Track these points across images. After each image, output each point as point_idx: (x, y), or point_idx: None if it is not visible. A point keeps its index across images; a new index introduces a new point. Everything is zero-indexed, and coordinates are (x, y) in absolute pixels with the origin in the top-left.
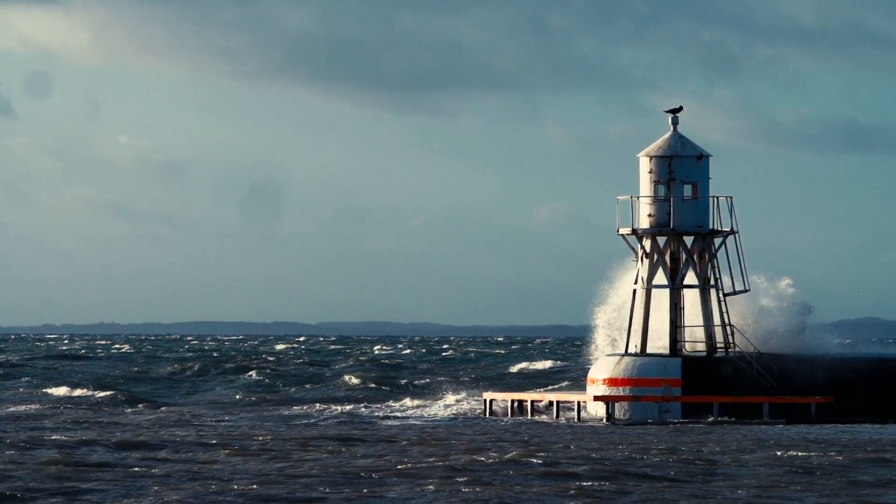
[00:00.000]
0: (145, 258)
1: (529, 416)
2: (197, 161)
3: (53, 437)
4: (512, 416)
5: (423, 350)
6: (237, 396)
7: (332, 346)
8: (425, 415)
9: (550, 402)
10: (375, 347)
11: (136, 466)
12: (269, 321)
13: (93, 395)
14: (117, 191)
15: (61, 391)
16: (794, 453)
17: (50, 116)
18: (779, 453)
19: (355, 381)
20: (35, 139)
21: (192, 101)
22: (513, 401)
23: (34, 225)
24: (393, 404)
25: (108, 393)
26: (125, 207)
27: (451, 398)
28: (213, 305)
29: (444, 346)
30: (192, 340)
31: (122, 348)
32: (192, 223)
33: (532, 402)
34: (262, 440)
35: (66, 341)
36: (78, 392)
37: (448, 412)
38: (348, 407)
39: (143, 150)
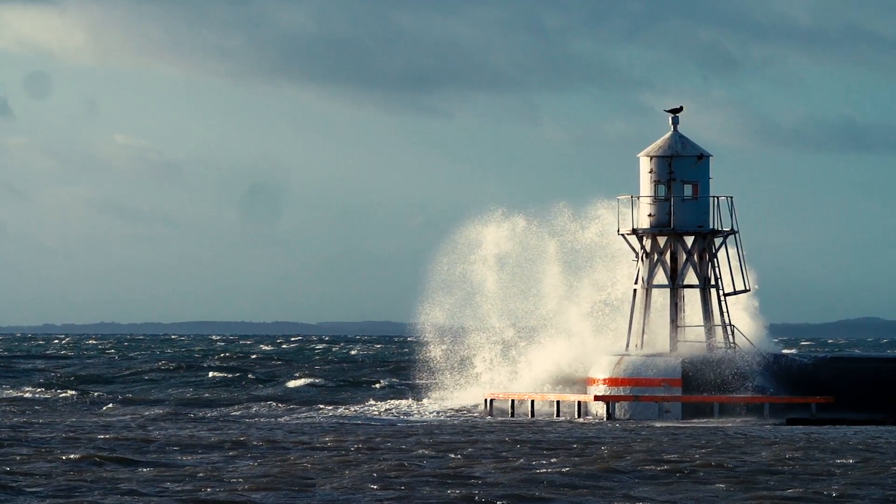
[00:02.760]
0: (145, 258)
1: (531, 417)
2: (194, 160)
3: None
4: (512, 415)
5: (405, 350)
6: (186, 396)
7: (319, 347)
8: (416, 415)
9: (551, 403)
10: (358, 347)
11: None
12: (269, 321)
13: (47, 395)
14: (115, 190)
15: (12, 391)
16: (792, 454)
17: (47, 116)
18: (774, 453)
19: (305, 381)
20: (32, 139)
21: (188, 101)
22: (513, 401)
23: (33, 224)
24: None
25: (67, 392)
26: (123, 207)
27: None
28: (212, 305)
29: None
30: (184, 341)
31: (110, 351)
32: (190, 223)
33: (532, 402)
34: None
35: (55, 341)
36: (30, 391)
37: (447, 412)
38: (293, 406)
39: (140, 149)
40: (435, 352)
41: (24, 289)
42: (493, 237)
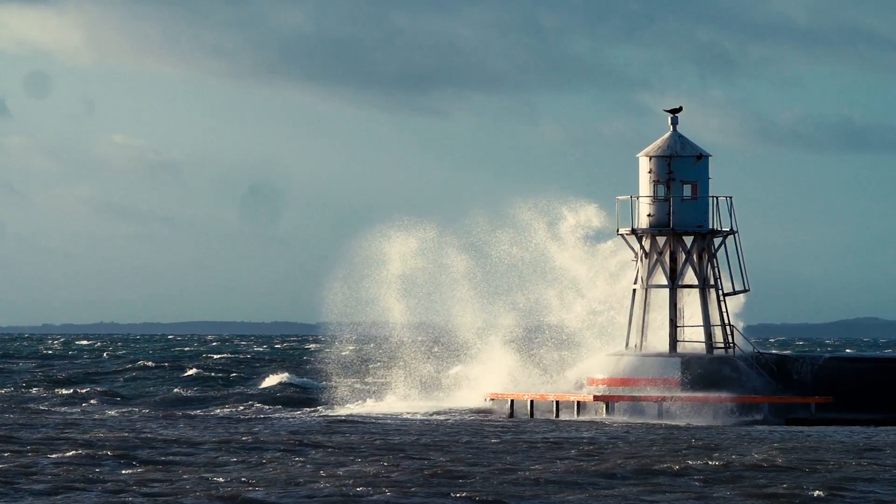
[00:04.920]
0: (143, 258)
1: (530, 416)
2: (192, 160)
3: None
4: (511, 415)
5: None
6: (167, 395)
7: (312, 346)
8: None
9: (550, 403)
10: (352, 347)
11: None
12: (269, 321)
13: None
14: (114, 190)
15: None
16: (787, 454)
17: (45, 116)
18: (769, 452)
19: (292, 380)
20: (31, 139)
21: (186, 101)
22: (512, 400)
23: (31, 224)
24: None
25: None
26: (122, 207)
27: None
28: (211, 305)
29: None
30: (178, 340)
31: (99, 350)
32: (189, 223)
33: (532, 402)
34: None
35: (48, 341)
36: (12, 390)
37: (443, 412)
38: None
39: (138, 149)
40: (341, 390)
41: (22, 289)
42: (397, 252)
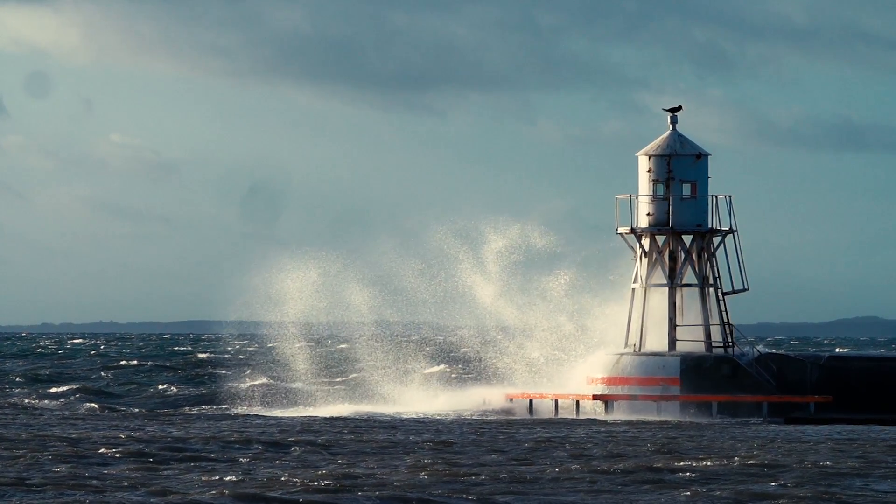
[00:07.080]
0: (142, 257)
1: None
2: (190, 160)
3: None
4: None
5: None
6: (148, 393)
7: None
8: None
9: (549, 401)
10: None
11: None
12: (268, 321)
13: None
14: (112, 190)
15: None
16: (779, 454)
17: (43, 115)
18: (763, 451)
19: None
20: (28, 138)
21: (184, 100)
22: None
23: (29, 224)
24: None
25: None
26: (120, 206)
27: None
28: (211, 304)
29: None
30: (172, 339)
31: (93, 349)
32: (188, 222)
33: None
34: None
35: (43, 340)
36: None
37: (440, 412)
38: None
39: (136, 148)
40: (329, 389)
41: (21, 288)
42: (296, 287)
